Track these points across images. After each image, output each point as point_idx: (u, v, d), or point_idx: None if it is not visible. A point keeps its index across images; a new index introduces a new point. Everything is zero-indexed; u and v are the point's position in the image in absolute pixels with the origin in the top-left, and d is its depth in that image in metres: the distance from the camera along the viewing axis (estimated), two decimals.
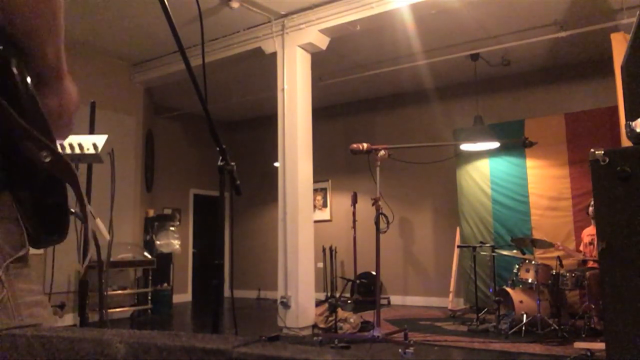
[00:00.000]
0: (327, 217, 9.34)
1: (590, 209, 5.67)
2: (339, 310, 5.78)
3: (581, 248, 5.89)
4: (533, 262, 5.39)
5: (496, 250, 6.11)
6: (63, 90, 0.86)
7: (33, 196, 0.82)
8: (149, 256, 7.42)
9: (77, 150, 1.49)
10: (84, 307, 2.82)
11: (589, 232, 5.71)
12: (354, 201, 8.38)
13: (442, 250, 8.06)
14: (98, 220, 1.00)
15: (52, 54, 0.82)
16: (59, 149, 0.80)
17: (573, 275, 5.29)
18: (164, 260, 7.89)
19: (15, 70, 0.77)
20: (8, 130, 0.73)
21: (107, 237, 1.03)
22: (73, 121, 0.91)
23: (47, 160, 0.74)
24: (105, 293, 5.91)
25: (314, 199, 7.77)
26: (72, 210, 0.89)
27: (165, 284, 7.91)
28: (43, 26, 0.79)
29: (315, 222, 6.52)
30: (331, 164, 9.05)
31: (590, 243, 5.64)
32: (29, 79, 0.79)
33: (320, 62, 6.57)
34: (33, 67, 0.81)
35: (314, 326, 5.77)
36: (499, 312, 5.51)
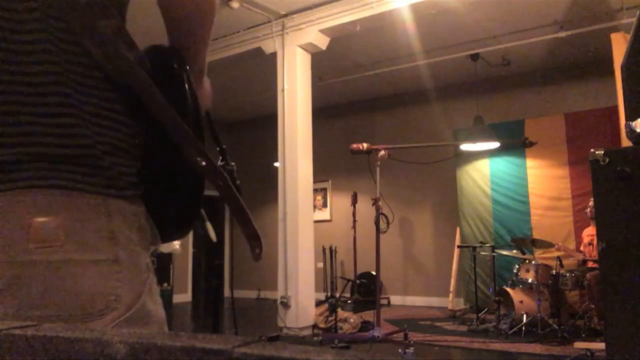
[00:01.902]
0: (327, 217, 9.34)
1: (588, 209, 5.68)
2: (339, 310, 5.78)
3: (581, 248, 5.89)
4: (533, 262, 5.39)
5: (496, 250, 6.11)
6: (201, 87, 1.00)
7: (168, 202, 0.90)
8: None
9: None
10: None
11: (589, 232, 5.71)
12: (354, 201, 8.38)
13: (442, 250, 8.06)
14: (208, 224, 1.10)
15: (202, 59, 0.96)
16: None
17: (573, 275, 5.29)
18: (164, 260, 7.90)
19: (187, 86, 0.88)
20: (179, 139, 0.82)
21: (215, 239, 1.14)
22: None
23: (203, 164, 0.83)
24: None
25: (314, 199, 7.77)
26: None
27: (165, 284, 7.92)
28: (204, 36, 0.94)
29: (315, 222, 6.53)
30: (331, 164, 9.05)
31: (590, 243, 5.64)
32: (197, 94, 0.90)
33: (320, 62, 6.57)
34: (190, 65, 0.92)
35: (314, 326, 5.77)
36: (499, 312, 5.52)
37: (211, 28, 0.93)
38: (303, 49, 6.08)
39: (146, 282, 0.80)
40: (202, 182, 0.91)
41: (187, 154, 0.82)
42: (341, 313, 5.75)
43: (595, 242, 5.14)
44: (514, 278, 5.65)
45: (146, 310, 0.78)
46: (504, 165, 7.32)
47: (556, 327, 4.98)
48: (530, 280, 5.37)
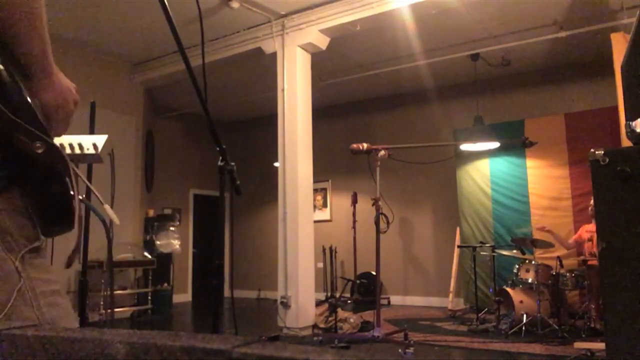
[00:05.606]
0: (327, 217, 9.34)
1: (590, 207, 5.69)
2: (339, 310, 5.78)
3: (572, 240, 5.89)
4: (533, 262, 5.40)
5: (496, 250, 6.11)
6: (54, 84, 0.85)
7: (36, 188, 0.82)
8: (149, 256, 7.42)
9: (77, 151, 1.49)
10: (84, 307, 2.82)
11: (589, 228, 5.70)
12: (354, 201, 8.38)
13: (442, 250, 8.06)
14: (106, 206, 1.02)
15: (37, 49, 0.80)
16: (53, 140, 0.80)
17: (573, 275, 5.29)
18: (164, 260, 7.89)
19: None
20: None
21: (117, 221, 1.06)
22: (70, 116, 0.91)
23: (40, 151, 0.75)
24: (105, 293, 5.92)
25: (314, 199, 7.77)
26: (80, 197, 0.91)
27: (165, 284, 7.91)
28: (23, 20, 0.77)
29: (315, 222, 6.52)
30: (331, 164, 9.05)
31: (589, 240, 5.64)
32: (13, 72, 0.79)
33: (320, 62, 6.57)
34: (18, 62, 0.80)
35: (314, 326, 5.77)
36: (499, 312, 5.51)
37: (34, 9, 0.78)
38: (303, 49, 6.07)
39: (15, 288, 0.75)
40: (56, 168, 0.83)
41: (18, 142, 0.75)
42: (341, 313, 5.75)
43: (595, 239, 5.15)
44: (514, 278, 5.65)
45: (21, 318, 0.74)
46: (504, 165, 7.32)
47: (556, 327, 4.98)
48: (530, 280, 5.37)
